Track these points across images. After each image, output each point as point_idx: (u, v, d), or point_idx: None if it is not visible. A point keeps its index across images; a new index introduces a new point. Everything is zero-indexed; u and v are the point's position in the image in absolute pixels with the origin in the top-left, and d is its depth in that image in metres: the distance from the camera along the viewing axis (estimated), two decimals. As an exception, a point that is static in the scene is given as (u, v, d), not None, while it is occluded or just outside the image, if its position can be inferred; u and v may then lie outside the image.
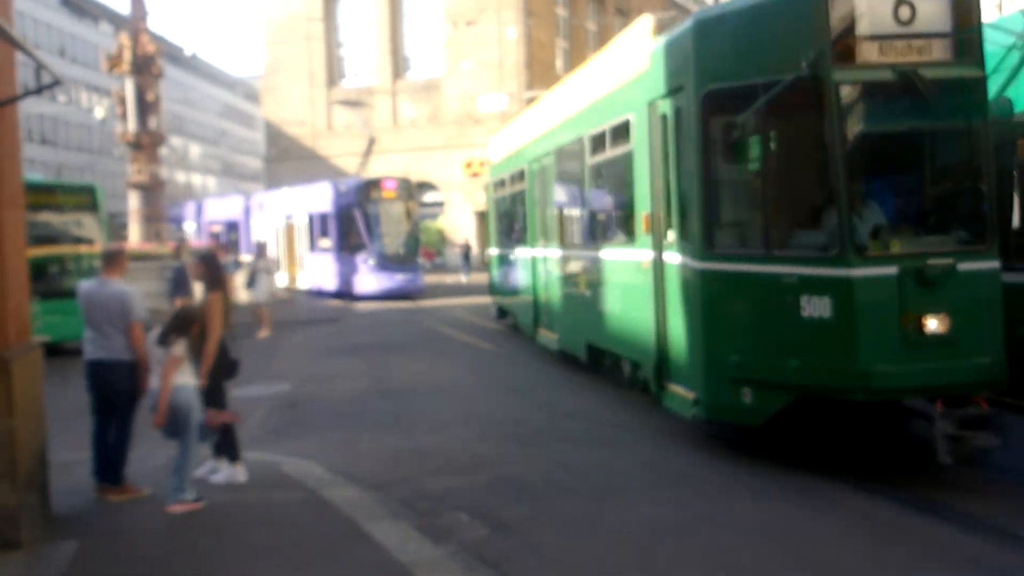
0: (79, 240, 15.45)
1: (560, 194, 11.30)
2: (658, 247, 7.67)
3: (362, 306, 23.41)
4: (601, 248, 9.43)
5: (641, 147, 7.93)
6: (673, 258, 7.32)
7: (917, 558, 4.72)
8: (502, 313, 16.50)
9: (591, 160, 9.66)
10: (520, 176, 13.46)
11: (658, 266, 7.67)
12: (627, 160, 8.35)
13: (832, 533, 5.17)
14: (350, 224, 25.32)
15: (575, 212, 10.69)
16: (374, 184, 25.61)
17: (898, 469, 6.43)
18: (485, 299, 19.29)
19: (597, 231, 9.82)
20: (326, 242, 26.66)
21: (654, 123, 7.62)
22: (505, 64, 37.01)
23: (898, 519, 5.31)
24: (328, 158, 39.92)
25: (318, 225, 27.23)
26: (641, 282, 8.07)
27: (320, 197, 26.97)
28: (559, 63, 40.23)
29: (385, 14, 39.72)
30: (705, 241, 6.65)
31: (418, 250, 27.20)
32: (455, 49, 37.20)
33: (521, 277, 13.72)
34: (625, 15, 41.30)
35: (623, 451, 7.29)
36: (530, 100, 36.40)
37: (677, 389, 7.38)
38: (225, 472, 6.46)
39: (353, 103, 32.37)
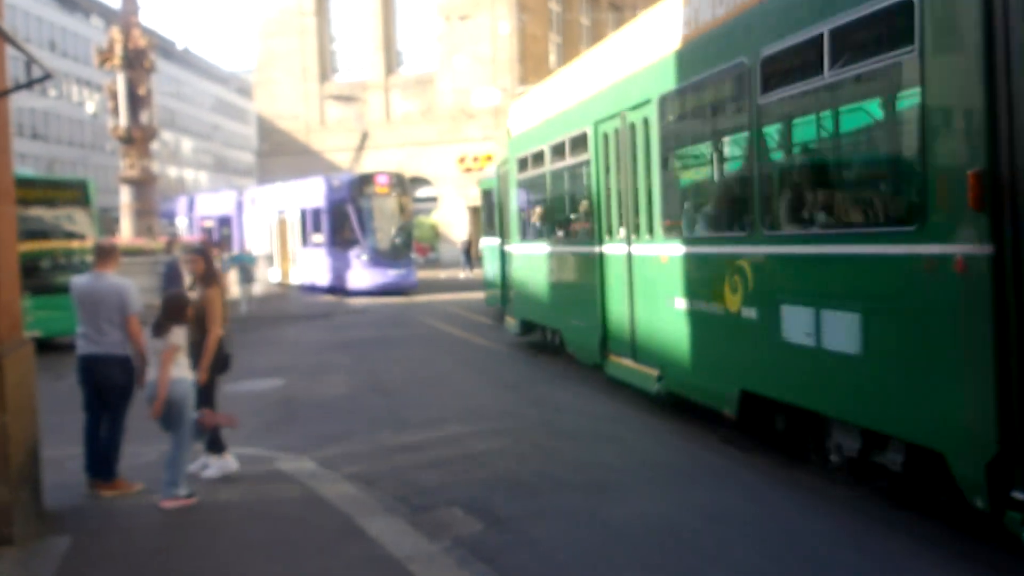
0: (71, 235, 15.39)
1: (683, 162, 8.00)
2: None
3: (355, 302, 23.38)
4: (814, 242, 5.70)
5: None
6: None
7: (906, 552, 4.74)
8: (526, 327, 12.93)
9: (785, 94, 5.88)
10: (576, 145, 9.96)
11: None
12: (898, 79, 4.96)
13: (823, 526, 5.19)
14: (343, 219, 25.27)
15: (728, 186, 7.15)
16: (367, 179, 25.57)
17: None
18: (480, 295, 19.11)
19: (799, 212, 5.93)
20: (319, 237, 26.60)
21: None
22: (499, 59, 36.96)
23: (887, 512, 5.32)
24: (321, 153, 39.84)
25: (311, 220, 27.17)
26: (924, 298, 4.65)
27: (313, 192, 26.89)
28: (552, 58, 40.18)
29: (378, 8, 39.62)
30: None
31: (412, 245, 27.17)
32: (448, 44, 37.12)
33: (575, 284, 10.26)
34: (619, 10, 41.26)
35: (617, 446, 7.30)
36: (522, 95, 36.45)
37: None
38: (216, 465, 6.45)
39: (346, 98, 32.26)
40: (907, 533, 4.98)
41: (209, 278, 6.63)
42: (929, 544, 4.81)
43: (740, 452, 6.87)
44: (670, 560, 4.75)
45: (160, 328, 5.74)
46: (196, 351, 6.24)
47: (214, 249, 11.61)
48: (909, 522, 5.15)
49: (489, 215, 17.02)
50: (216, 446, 6.51)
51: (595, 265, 9.44)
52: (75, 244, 15.41)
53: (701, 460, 6.79)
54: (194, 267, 6.71)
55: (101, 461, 6.05)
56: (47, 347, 11.56)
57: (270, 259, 29.38)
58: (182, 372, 5.80)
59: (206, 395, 6.37)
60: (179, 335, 5.78)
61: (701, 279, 7.20)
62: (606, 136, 9.14)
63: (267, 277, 27.39)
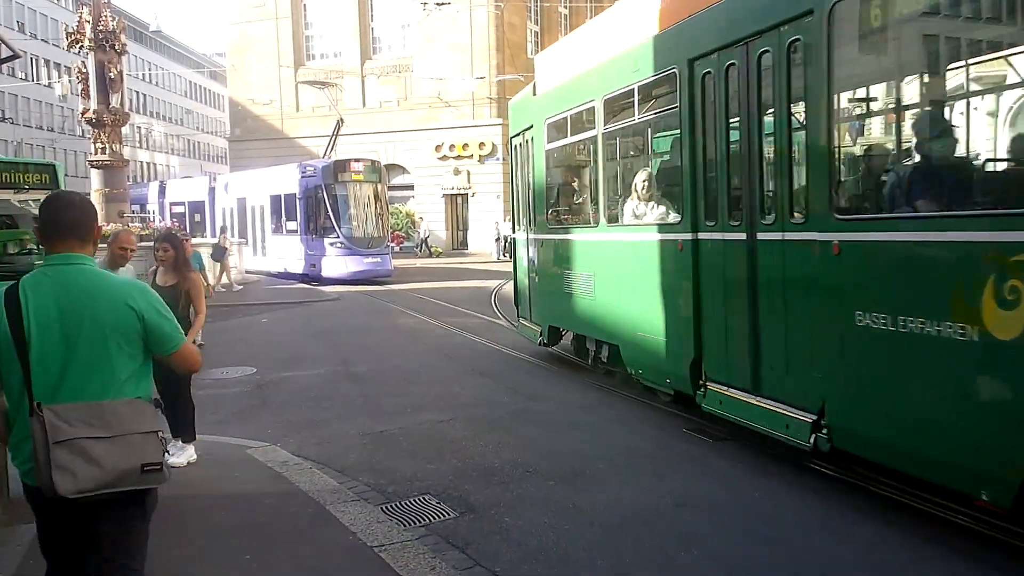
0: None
1: (885, 103, 5.78)
2: None
3: (330, 289, 23.22)
4: None
5: None
6: None
7: (877, 537, 4.81)
8: (554, 336, 10.59)
9: None
10: (649, 95, 7.67)
11: None
12: None
13: (793, 512, 5.26)
14: (317, 206, 25.06)
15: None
16: (342, 165, 25.33)
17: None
18: (457, 284, 19.05)
19: None
20: (293, 224, 26.36)
21: None
22: (476, 47, 36.83)
23: (860, 501, 5.40)
24: (295, 139, 39.52)
25: (285, 207, 26.90)
26: None
27: (287, 178, 26.63)
28: (530, 46, 40.11)
29: (354, -6, 39.26)
30: None
31: (388, 233, 27.03)
32: (425, 31, 36.89)
33: (646, 283, 7.72)
34: None
35: (591, 434, 7.34)
36: (500, 83, 36.34)
37: None
38: (176, 452, 6.39)
39: (321, 83, 31.98)
40: (879, 520, 5.05)
41: (185, 263, 6.56)
42: (899, 529, 4.89)
43: (711, 440, 6.93)
44: (642, 546, 4.79)
45: None
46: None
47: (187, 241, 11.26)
48: (883, 509, 5.23)
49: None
50: (188, 434, 6.46)
51: (685, 258, 6.93)
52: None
53: (673, 448, 6.84)
54: (164, 256, 6.57)
55: None
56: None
57: (241, 247, 29.09)
58: None
59: (182, 384, 6.32)
60: None
61: (924, 283, 4.62)
62: (714, 76, 6.52)
63: (241, 265, 27.12)
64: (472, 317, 16.09)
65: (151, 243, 8.08)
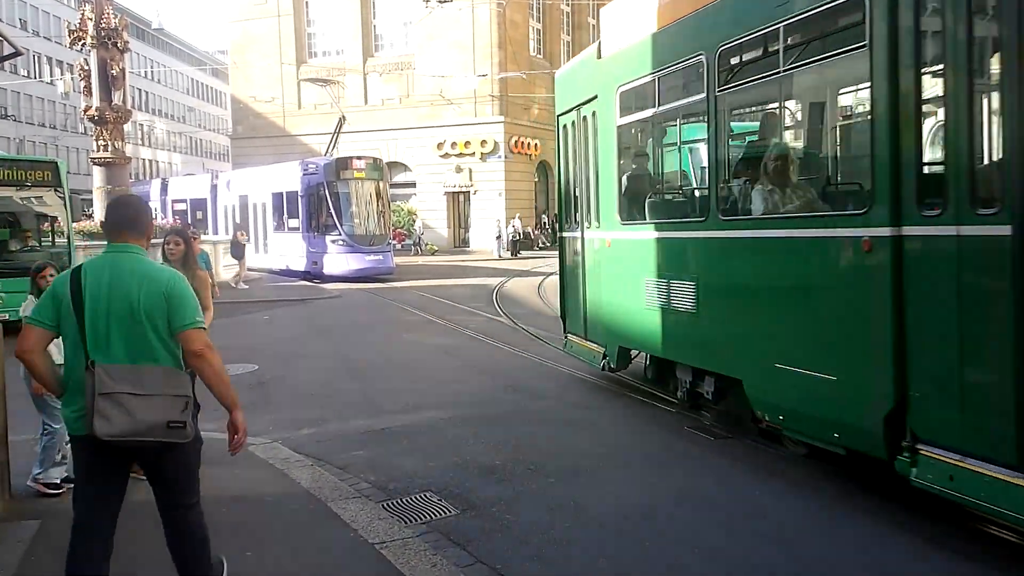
0: (41, 217, 15.13)
1: None
2: None
3: (331, 287, 23.22)
4: None
5: None
6: None
7: (875, 534, 4.81)
8: (621, 359, 8.54)
9: None
10: (808, 31, 5.71)
11: None
12: None
13: (792, 510, 5.26)
14: (319, 203, 25.06)
15: None
16: (344, 163, 25.32)
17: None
18: (459, 281, 19.06)
19: None
20: (295, 222, 26.37)
21: None
22: (478, 44, 36.80)
23: (862, 500, 5.40)
24: (297, 137, 39.53)
25: (287, 204, 26.90)
26: None
27: (289, 176, 26.63)
28: (532, 44, 40.10)
29: (357, -9, 39.24)
30: None
31: (390, 231, 27.01)
32: (427, 28, 36.86)
33: (797, 299, 5.83)
34: (599, -3, 41.16)
35: (592, 432, 7.34)
36: (502, 81, 36.34)
37: None
38: None
39: (323, 81, 31.98)
40: (880, 519, 5.05)
41: (191, 260, 6.51)
42: (901, 529, 4.89)
43: (712, 439, 6.93)
44: (643, 544, 4.79)
45: None
46: None
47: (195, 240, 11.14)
48: (884, 509, 5.23)
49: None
50: None
51: (877, 262, 4.91)
52: (45, 226, 15.17)
53: (674, 446, 6.84)
54: (175, 249, 6.52)
55: None
56: (16, 331, 11.37)
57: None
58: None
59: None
60: (26, 309, 5.56)
61: None
62: None
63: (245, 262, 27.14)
64: (474, 315, 16.10)
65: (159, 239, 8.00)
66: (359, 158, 25.87)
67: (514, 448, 6.80)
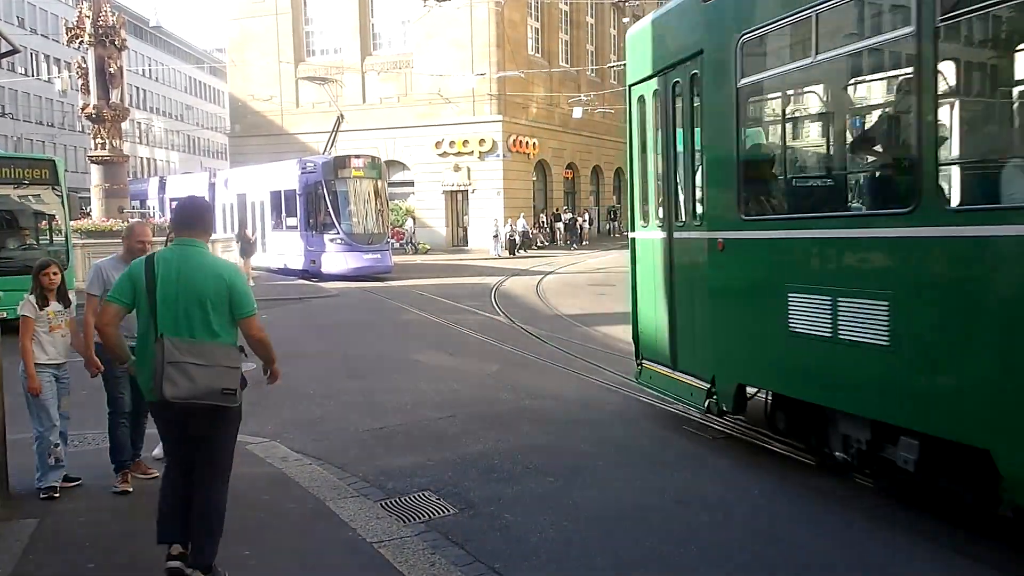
0: (39, 215, 15.09)
1: None
2: None
3: (329, 286, 23.20)
4: None
5: None
6: None
7: (879, 536, 4.81)
8: (738, 399, 6.41)
9: None
10: None
11: None
12: None
13: (790, 510, 5.27)
14: (318, 202, 25.03)
15: None
16: (342, 161, 25.28)
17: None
18: (457, 280, 19.02)
19: None
20: (293, 220, 26.32)
21: None
22: (476, 43, 36.76)
23: (861, 500, 5.41)
24: (295, 135, 39.47)
25: (285, 203, 26.85)
26: None
27: (287, 174, 26.59)
28: (531, 43, 40.09)
29: (355, -10, 39.17)
30: None
31: (388, 229, 26.95)
32: (426, 27, 36.82)
33: None
34: (597, -4, 41.21)
35: (591, 432, 7.33)
36: (500, 80, 36.33)
37: None
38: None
39: (322, 79, 31.94)
40: (880, 518, 5.05)
41: None
42: (901, 528, 4.89)
43: (711, 438, 6.94)
44: (641, 543, 4.79)
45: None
46: None
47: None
48: (879, 508, 5.23)
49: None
50: None
51: None
52: (43, 224, 15.12)
53: (673, 446, 6.84)
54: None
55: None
56: (13, 329, 11.34)
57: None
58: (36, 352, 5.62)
59: None
60: (26, 307, 5.62)
61: None
62: None
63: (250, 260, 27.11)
64: (472, 314, 16.09)
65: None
66: (357, 156, 25.82)
67: (513, 447, 6.80)
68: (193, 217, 4.24)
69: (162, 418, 4.19)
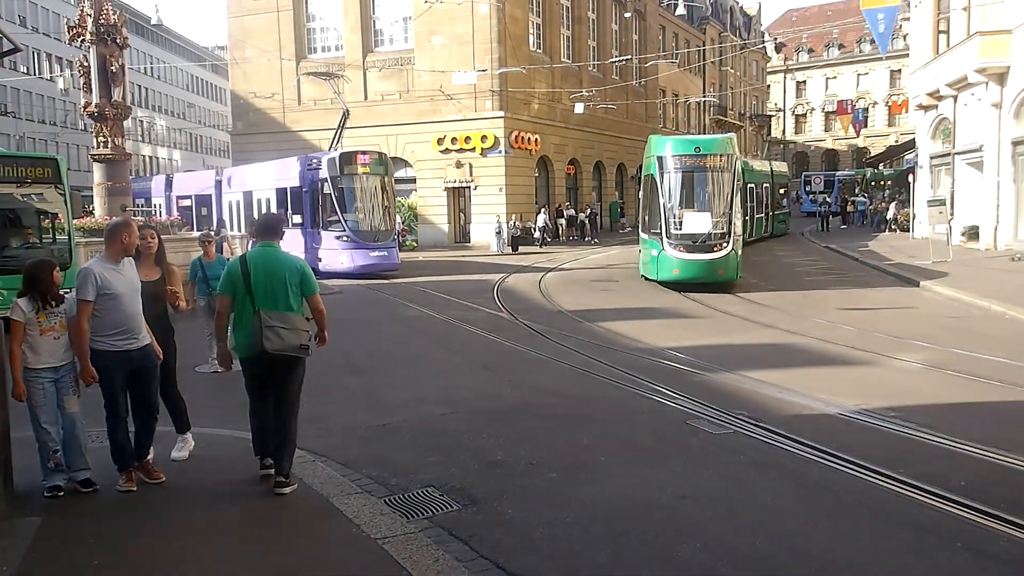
0: (41, 214, 15.11)
1: None
2: None
3: (333, 283, 23.21)
4: None
5: None
6: None
7: (882, 530, 4.81)
8: None
9: None
10: None
11: None
12: None
13: (795, 506, 5.27)
14: (323, 199, 24.93)
15: None
16: (348, 157, 25.10)
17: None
18: (459, 277, 18.96)
19: None
20: (298, 217, 26.25)
21: None
22: (478, 39, 36.67)
23: (863, 494, 5.41)
24: (297, 133, 39.43)
25: (290, 200, 26.77)
26: None
27: (293, 171, 26.53)
28: (532, 39, 40.00)
29: (356, -14, 39.07)
30: None
31: (395, 226, 26.80)
32: (427, 24, 36.76)
33: None
34: (599, -9, 41.09)
35: (593, 427, 7.34)
36: (502, 76, 36.26)
37: None
38: (178, 444, 6.43)
39: (325, 75, 31.86)
40: (883, 513, 5.06)
41: (163, 256, 6.42)
42: (903, 522, 4.89)
43: (713, 433, 6.94)
44: (644, 539, 4.79)
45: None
46: (156, 326, 6.07)
47: (209, 244, 10.75)
48: (886, 502, 5.23)
49: None
50: (184, 424, 6.46)
51: None
52: (46, 223, 15.14)
53: (675, 441, 6.84)
54: (151, 243, 6.40)
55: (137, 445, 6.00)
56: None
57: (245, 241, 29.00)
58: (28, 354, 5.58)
59: (170, 381, 6.30)
60: (17, 311, 5.54)
61: None
62: None
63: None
64: (474, 310, 16.08)
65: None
66: (364, 152, 25.62)
67: (516, 443, 6.80)
68: (271, 228, 5.85)
69: (251, 371, 5.74)
